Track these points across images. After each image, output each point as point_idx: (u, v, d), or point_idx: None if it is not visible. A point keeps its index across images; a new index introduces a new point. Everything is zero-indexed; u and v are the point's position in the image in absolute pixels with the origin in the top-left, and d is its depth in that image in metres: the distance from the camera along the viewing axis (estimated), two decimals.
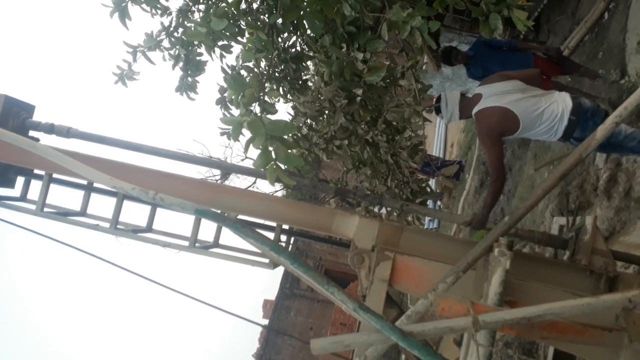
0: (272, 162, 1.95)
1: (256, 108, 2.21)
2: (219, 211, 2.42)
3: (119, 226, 2.80)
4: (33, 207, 2.81)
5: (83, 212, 2.94)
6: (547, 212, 6.25)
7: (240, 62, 3.66)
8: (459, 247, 2.47)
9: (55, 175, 2.85)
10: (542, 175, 6.85)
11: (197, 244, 2.77)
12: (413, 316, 1.95)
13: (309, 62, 3.87)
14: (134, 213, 2.98)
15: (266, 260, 2.82)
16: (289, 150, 1.99)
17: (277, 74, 3.43)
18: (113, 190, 2.86)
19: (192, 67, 3.70)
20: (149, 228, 2.92)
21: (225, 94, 3.26)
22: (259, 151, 1.98)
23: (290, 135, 3.76)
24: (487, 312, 1.77)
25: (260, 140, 1.91)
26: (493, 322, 1.71)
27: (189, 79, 3.74)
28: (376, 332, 1.86)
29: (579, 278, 2.41)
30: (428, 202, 4.86)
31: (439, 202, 13.12)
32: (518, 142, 8.34)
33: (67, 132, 2.86)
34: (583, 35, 6.37)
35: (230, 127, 2.10)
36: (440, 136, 16.70)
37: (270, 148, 1.94)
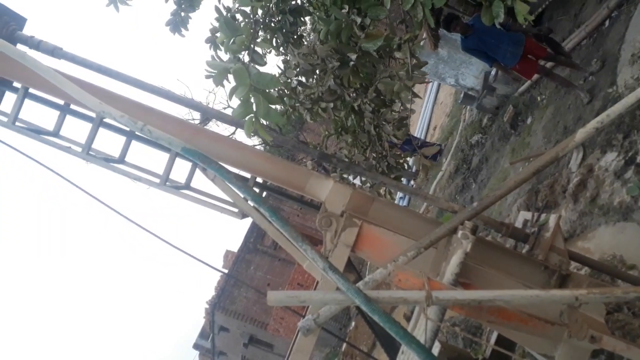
0: (252, 115, 1.93)
1: (245, 57, 2.17)
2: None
3: (91, 152, 2.75)
4: (5, 119, 2.73)
5: (56, 133, 2.87)
6: (514, 206, 6.41)
7: (237, 5, 3.56)
8: (425, 225, 2.52)
9: (31, 91, 2.76)
10: (516, 169, 6.98)
11: (167, 183, 2.75)
12: (370, 283, 2.00)
13: (307, 18, 3.79)
14: (107, 142, 2.92)
15: (235, 210, 2.82)
16: (271, 106, 1.97)
17: (272, 24, 3.35)
18: (89, 115, 2.79)
19: (187, 2, 3.59)
20: (121, 159, 2.87)
21: (217, 35, 3.17)
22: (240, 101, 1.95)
23: (276, 89, 3.71)
24: (441, 289, 1.84)
25: (244, 90, 1.88)
26: (445, 299, 1.77)
27: (182, 13, 3.63)
28: (334, 292, 1.91)
29: (533, 271, 2.51)
30: (402, 180, 4.92)
31: (412, 182, 13.30)
32: (499, 135, 8.44)
33: (52, 52, 2.78)
34: (582, 39, 6.40)
35: (215, 71, 2.07)
36: (425, 118, 16.76)
37: (252, 100, 1.91)
